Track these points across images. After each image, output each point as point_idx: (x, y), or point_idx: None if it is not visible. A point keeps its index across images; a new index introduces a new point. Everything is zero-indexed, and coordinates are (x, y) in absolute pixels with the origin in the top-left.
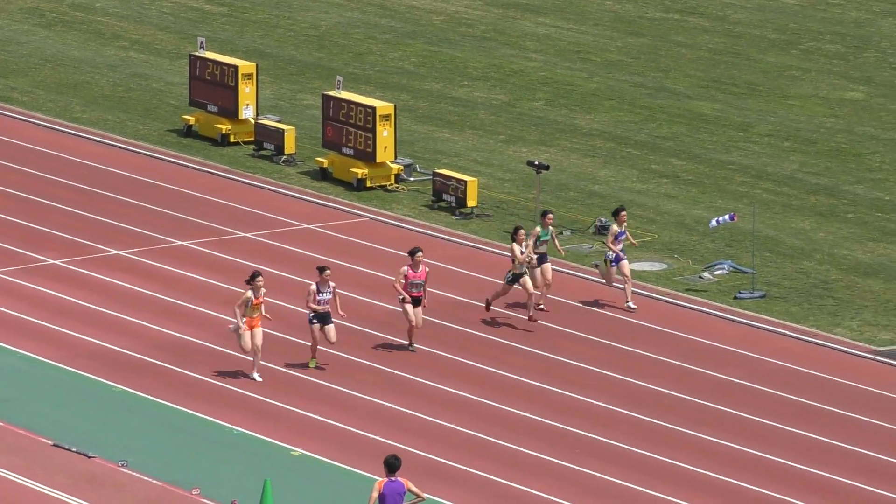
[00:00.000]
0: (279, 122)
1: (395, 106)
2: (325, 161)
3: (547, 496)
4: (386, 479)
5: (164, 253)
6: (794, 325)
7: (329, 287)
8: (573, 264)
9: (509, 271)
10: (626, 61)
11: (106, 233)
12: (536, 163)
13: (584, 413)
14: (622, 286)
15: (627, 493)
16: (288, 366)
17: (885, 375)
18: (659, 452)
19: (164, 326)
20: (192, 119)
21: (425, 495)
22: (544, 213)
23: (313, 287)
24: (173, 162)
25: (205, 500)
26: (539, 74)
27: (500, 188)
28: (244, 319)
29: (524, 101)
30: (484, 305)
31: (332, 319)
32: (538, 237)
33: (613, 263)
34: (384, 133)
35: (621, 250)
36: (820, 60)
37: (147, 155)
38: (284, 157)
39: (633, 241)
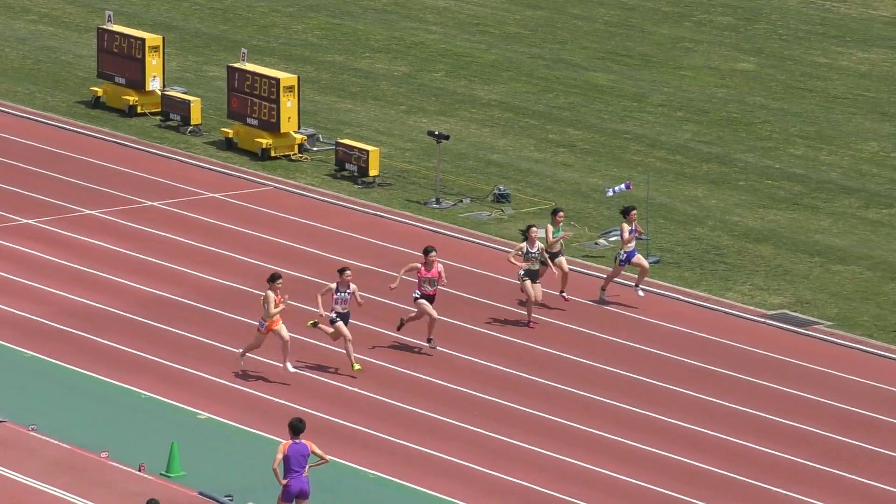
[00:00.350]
0: (185, 93)
1: (298, 77)
2: (230, 131)
3: (446, 457)
4: (290, 442)
5: (73, 222)
6: (687, 289)
7: (349, 288)
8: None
9: (521, 270)
10: (523, 34)
11: (16, 202)
12: (437, 133)
13: (481, 375)
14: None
15: (523, 453)
16: (195, 333)
17: (775, 338)
18: (554, 414)
19: (73, 294)
20: (100, 91)
21: (329, 457)
22: (554, 212)
23: (332, 286)
24: (82, 133)
25: (113, 463)
26: (439, 46)
27: (402, 157)
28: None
29: (424, 72)
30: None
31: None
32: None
33: (622, 263)
34: (288, 104)
35: (633, 248)
36: (712, 32)
37: (56, 126)
38: (190, 127)
39: (641, 231)
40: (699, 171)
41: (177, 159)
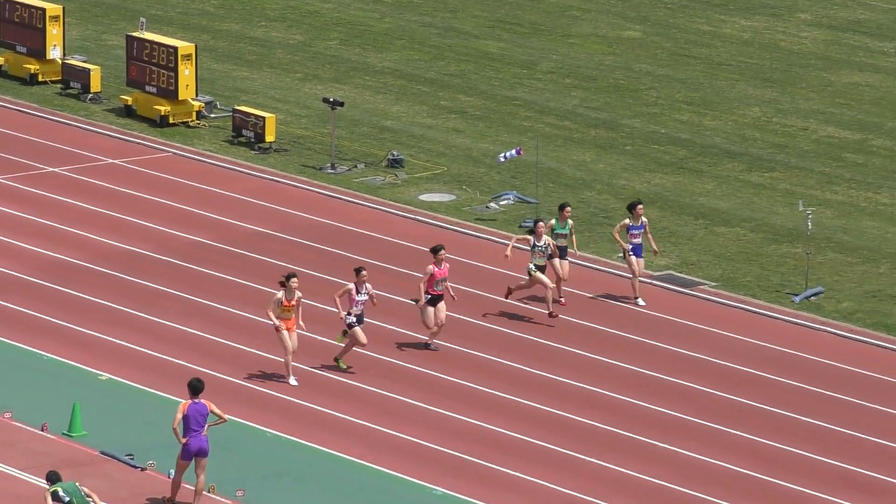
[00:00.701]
0: (85, 62)
1: (196, 46)
2: (129, 99)
3: (342, 415)
4: (190, 401)
5: None
6: (576, 252)
7: (365, 288)
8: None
9: (531, 263)
10: (415, 2)
11: None
12: (331, 99)
13: (374, 336)
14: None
15: (417, 412)
16: (96, 295)
17: (661, 298)
18: (440, 370)
19: None
20: (1, 59)
21: (227, 416)
22: (562, 207)
23: (351, 287)
24: None
25: (16, 423)
26: (333, 15)
27: (297, 124)
28: (280, 321)
29: (319, 40)
30: (504, 294)
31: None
32: (553, 229)
33: (633, 254)
34: (186, 72)
35: (639, 245)
36: (599, 1)
37: None
38: (91, 95)
39: (655, 249)
40: (587, 137)
41: (77, 126)
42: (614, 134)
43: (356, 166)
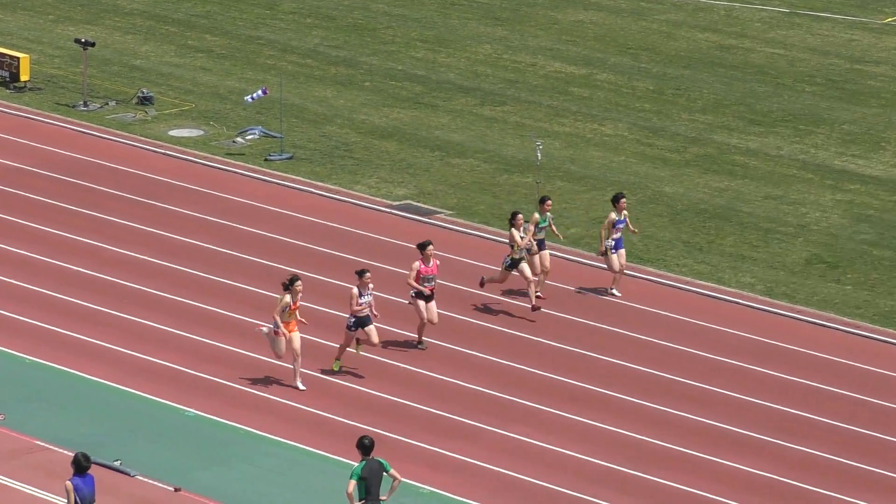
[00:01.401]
0: None
1: None
2: None
3: (94, 341)
4: None
5: None
6: (319, 183)
7: (369, 290)
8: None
9: (507, 256)
10: None
11: None
12: (83, 40)
13: (132, 266)
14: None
15: (166, 336)
16: None
17: (401, 227)
18: (242, 313)
19: None
20: None
21: None
22: (542, 200)
23: (355, 291)
24: None
25: None
26: None
27: (51, 64)
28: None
29: None
30: (479, 283)
31: (371, 320)
32: (537, 224)
33: (614, 250)
34: None
35: (619, 238)
36: None
37: None
38: None
39: (633, 229)
40: (328, 74)
41: None
42: (354, 71)
43: (108, 104)
